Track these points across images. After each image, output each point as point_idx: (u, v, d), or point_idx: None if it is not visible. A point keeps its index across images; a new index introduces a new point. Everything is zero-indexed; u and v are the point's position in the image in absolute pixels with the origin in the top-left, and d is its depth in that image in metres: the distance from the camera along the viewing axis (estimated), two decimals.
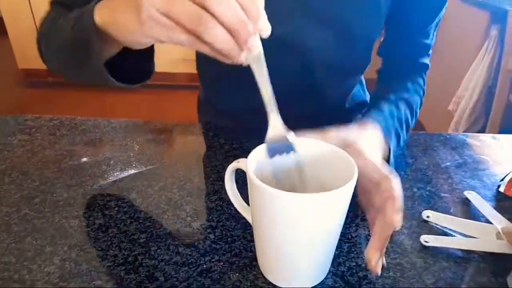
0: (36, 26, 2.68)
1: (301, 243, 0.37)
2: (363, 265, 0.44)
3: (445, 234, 0.49)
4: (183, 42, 0.33)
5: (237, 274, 0.42)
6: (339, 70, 0.67)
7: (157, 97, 2.70)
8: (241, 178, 0.43)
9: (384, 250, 0.38)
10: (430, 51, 0.71)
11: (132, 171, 0.59)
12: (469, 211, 0.53)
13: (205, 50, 0.33)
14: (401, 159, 0.65)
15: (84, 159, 0.61)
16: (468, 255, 0.46)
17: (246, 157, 0.39)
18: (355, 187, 0.37)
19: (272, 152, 0.40)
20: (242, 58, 0.33)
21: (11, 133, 0.68)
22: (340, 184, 0.35)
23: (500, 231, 0.47)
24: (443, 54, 2.07)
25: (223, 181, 0.44)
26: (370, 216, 0.42)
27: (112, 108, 2.60)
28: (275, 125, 0.39)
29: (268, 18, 0.33)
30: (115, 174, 0.58)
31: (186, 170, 0.60)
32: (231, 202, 0.45)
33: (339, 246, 0.45)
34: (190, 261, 0.44)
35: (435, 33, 0.69)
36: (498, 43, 1.71)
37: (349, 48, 0.64)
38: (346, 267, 0.43)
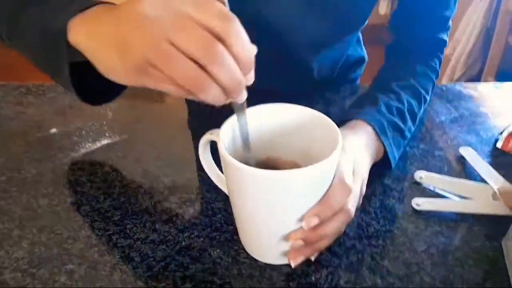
0: None
1: (277, 220, 0.35)
2: (350, 234, 0.42)
3: (438, 196, 0.46)
4: (170, 92, 0.30)
5: (218, 251, 0.40)
6: (327, 48, 0.62)
7: None
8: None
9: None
10: (450, 24, 0.61)
11: (105, 141, 0.55)
12: (465, 170, 0.50)
13: (193, 98, 0.31)
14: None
15: (53, 130, 0.57)
16: (462, 218, 0.43)
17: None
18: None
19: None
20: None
21: None
22: (323, 151, 0.32)
23: (496, 191, 0.44)
24: None
25: None
26: None
27: None
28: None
29: None
30: (87, 145, 0.54)
31: (164, 138, 0.56)
32: None
33: None
34: (168, 238, 0.41)
35: (456, 3, 0.59)
36: None
37: (338, 29, 0.58)
38: None
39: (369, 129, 0.47)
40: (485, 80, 1.87)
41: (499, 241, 0.41)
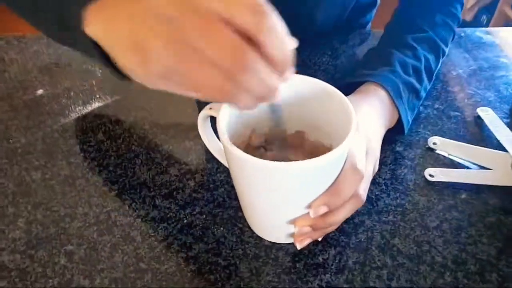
0: None
1: (282, 206, 0.32)
2: (359, 209, 0.40)
3: (452, 164, 0.44)
4: (199, 98, 0.26)
5: (222, 229, 0.38)
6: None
7: None
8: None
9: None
10: None
11: (96, 104, 0.51)
12: (482, 134, 0.47)
13: None
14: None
15: (40, 92, 0.53)
16: (477, 189, 0.41)
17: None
18: None
19: None
20: None
21: None
22: (333, 123, 0.31)
23: None
24: None
25: None
26: None
27: None
28: None
29: None
30: (77, 109, 0.50)
31: (160, 99, 0.52)
32: None
33: None
34: (168, 215, 0.39)
35: None
36: None
37: None
38: None
39: (382, 93, 0.43)
40: (501, 10, 1.74)
41: None
